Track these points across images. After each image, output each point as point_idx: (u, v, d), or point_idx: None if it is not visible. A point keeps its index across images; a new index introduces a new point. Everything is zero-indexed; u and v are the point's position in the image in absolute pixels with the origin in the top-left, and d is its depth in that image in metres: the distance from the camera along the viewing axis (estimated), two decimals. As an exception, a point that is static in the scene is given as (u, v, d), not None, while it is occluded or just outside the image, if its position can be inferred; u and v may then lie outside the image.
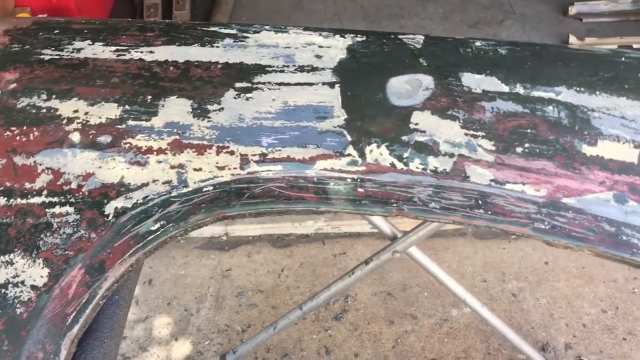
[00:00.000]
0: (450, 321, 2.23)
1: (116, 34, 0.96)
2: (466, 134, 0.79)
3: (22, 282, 0.77)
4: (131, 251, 0.77)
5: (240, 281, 2.37)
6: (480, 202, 0.74)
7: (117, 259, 0.77)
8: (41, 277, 0.77)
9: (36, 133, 0.83)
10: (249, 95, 0.85)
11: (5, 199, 0.80)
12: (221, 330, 2.22)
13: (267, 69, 0.88)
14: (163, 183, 0.79)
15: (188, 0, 3.68)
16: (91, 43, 0.94)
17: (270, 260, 2.45)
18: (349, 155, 0.79)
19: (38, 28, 0.98)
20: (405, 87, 0.84)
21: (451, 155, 0.77)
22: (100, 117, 0.84)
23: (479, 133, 0.79)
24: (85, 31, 0.96)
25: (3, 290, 0.77)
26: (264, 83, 0.86)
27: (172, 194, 0.78)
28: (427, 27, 3.53)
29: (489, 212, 0.74)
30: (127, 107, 0.84)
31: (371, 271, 1.71)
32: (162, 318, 2.25)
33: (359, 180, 0.77)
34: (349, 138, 0.80)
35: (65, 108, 0.85)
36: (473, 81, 0.84)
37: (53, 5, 2.88)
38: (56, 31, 0.97)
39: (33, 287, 0.77)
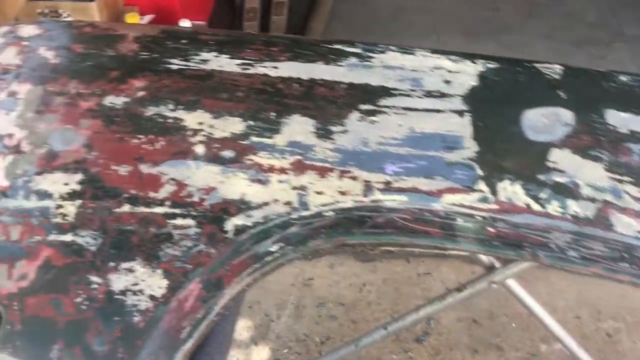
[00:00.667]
0: (539, 357, 2.12)
1: (241, 46, 0.96)
2: (611, 178, 0.73)
3: (141, 291, 0.78)
4: (249, 270, 0.76)
5: (321, 292, 2.36)
6: (625, 255, 0.68)
7: (235, 277, 0.76)
8: (160, 287, 0.78)
9: (162, 142, 0.84)
10: (373, 118, 0.83)
11: (130, 205, 0.82)
12: (300, 339, 2.22)
13: (392, 92, 0.85)
14: (284, 204, 0.78)
15: (286, 5, 3.74)
16: (217, 55, 0.95)
17: (353, 273, 2.42)
18: (479, 190, 0.74)
19: (166, 37, 1.00)
20: (543, 121, 0.79)
21: (593, 201, 0.71)
22: (224, 131, 0.84)
23: (626, 178, 0.72)
24: (212, 42, 0.97)
25: (122, 298, 0.79)
26: (389, 107, 0.84)
27: (292, 216, 0.77)
28: (530, 44, 3.40)
29: (636, 267, 0.68)
30: (250, 122, 0.84)
31: (463, 299, 1.65)
32: (243, 321, 2.28)
33: (490, 219, 0.72)
34: (480, 172, 0.75)
35: (191, 119, 0.86)
36: (618, 119, 0.78)
37: (159, 4, 2.99)
38: (183, 41, 0.99)
39: (151, 297, 0.78)
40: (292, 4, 3.74)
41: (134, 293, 0.79)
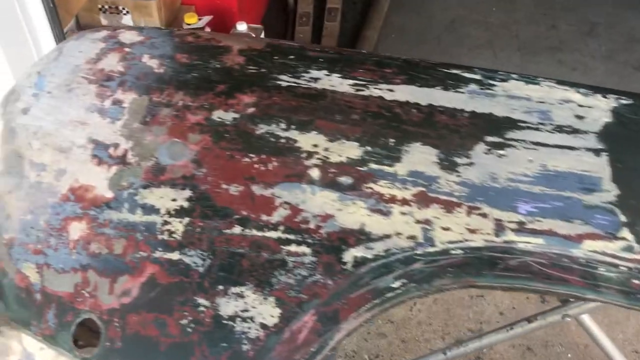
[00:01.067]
0: (595, 391, 2.04)
1: (352, 66, 0.93)
2: None
3: (252, 318, 0.75)
4: (367, 305, 0.72)
5: (369, 307, 2.31)
6: None
7: (352, 311, 0.73)
8: (272, 316, 0.75)
9: (275, 163, 0.81)
10: (501, 152, 0.78)
11: (241, 227, 0.79)
12: (349, 355, 2.17)
13: (519, 124, 0.81)
14: (407, 238, 0.74)
15: (339, 12, 3.71)
16: (328, 74, 0.92)
17: (402, 289, 2.37)
18: (622, 238, 0.70)
19: (272, 51, 0.98)
20: (688, 166, 0.74)
21: None
22: (340, 156, 0.81)
23: None
24: (321, 60, 0.94)
25: (230, 323, 0.76)
26: (517, 140, 0.79)
27: (417, 252, 0.73)
28: (588, 64, 3.31)
29: None
30: (368, 148, 0.81)
31: (532, 330, 1.59)
32: (289, 331, 2.24)
33: (636, 270, 0.68)
34: (623, 219, 0.71)
35: (305, 141, 0.83)
36: None
37: (216, 5, 2.98)
38: (291, 56, 0.96)
39: (262, 326, 0.75)
40: (345, 11, 3.71)
41: (244, 320, 0.76)
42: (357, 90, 0.87)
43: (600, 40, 3.54)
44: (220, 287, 0.77)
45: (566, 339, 2.18)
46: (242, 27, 2.69)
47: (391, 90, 0.87)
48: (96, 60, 0.98)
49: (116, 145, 0.87)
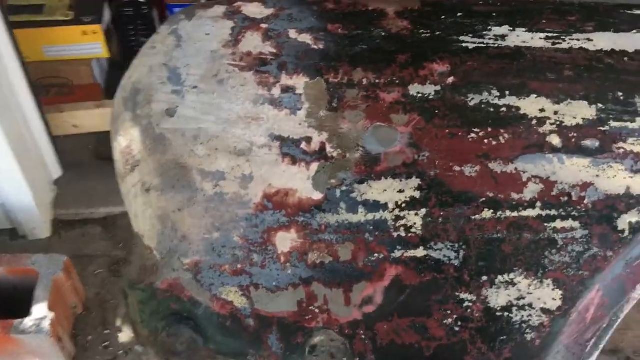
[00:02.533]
0: None
1: (532, 18, 0.86)
2: None
3: (530, 305, 0.70)
4: (655, 271, 0.69)
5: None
6: None
7: (639, 280, 0.70)
8: (553, 299, 0.70)
9: (506, 135, 0.74)
10: None
11: (491, 211, 0.72)
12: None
13: None
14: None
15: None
16: (511, 29, 0.84)
17: None
18: None
19: (434, 10, 0.88)
20: None
21: None
22: (574, 118, 0.75)
23: None
24: (494, 14, 0.86)
25: (506, 314, 0.70)
26: None
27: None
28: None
29: None
30: (600, 105, 0.75)
31: None
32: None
33: None
34: None
35: (528, 106, 0.76)
36: None
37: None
38: (459, 14, 0.87)
39: (544, 311, 0.70)
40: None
41: (521, 308, 0.70)
42: (554, 44, 0.81)
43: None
44: (484, 278, 0.71)
45: None
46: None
47: (589, 40, 0.81)
48: (235, 42, 0.84)
49: (308, 139, 0.76)
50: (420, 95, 0.77)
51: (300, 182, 0.75)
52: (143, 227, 0.81)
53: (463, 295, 0.71)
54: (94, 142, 2.00)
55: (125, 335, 1.63)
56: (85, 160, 2.00)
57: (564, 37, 0.82)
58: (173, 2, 2.05)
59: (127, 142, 0.82)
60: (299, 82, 0.80)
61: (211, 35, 0.85)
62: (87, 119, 1.89)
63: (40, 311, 1.41)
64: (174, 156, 0.79)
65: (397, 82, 0.79)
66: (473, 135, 0.74)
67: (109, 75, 2.09)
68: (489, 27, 0.83)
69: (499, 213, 0.71)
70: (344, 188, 0.74)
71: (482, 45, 0.81)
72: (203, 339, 0.77)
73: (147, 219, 0.80)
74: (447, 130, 0.75)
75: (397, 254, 0.72)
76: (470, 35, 0.83)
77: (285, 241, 0.75)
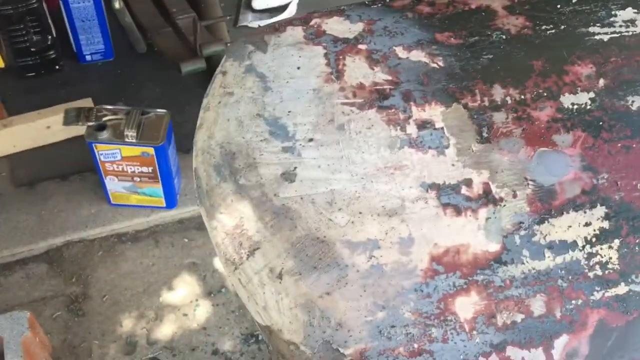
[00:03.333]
0: None
1: None
2: None
3: None
4: None
5: None
6: None
7: None
8: None
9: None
10: None
11: (689, 227, 0.64)
12: None
13: None
14: None
15: None
16: (636, 11, 0.75)
17: None
18: None
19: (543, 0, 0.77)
20: None
21: None
22: None
23: None
24: (610, -4, 0.76)
25: None
26: None
27: None
28: None
29: None
30: None
31: None
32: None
33: None
34: None
35: None
36: None
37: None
38: (573, 0, 0.76)
39: None
40: None
41: None
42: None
43: None
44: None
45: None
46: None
47: None
48: (337, 73, 0.69)
49: (468, 182, 0.64)
50: (576, 106, 0.67)
51: (470, 235, 0.63)
52: (279, 320, 0.66)
53: (676, 323, 0.64)
54: (7, 167, 1.72)
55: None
56: (3, 190, 1.72)
57: (695, 14, 0.74)
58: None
59: (237, 221, 0.66)
60: (435, 112, 0.67)
61: (304, 69, 0.69)
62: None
63: (19, 378, 1.21)
64: (308, 230, 0.64)
65: (545, 94, 0.68)
66: (648, 145, 0.66)
67: (5, 86, 1.79)
68: (613, 13, 0.74)
69: (697, 229, 0.64)
70: (522, 232, 0.64)
71: (616, 34, 0.72)
72: None
73: (284, 309, 0.66)
74: (620, 144, 0.66)
75: (597, 295, 0.64)
76: (598, 25, 0.73)
77: (467, 306, 0.64)
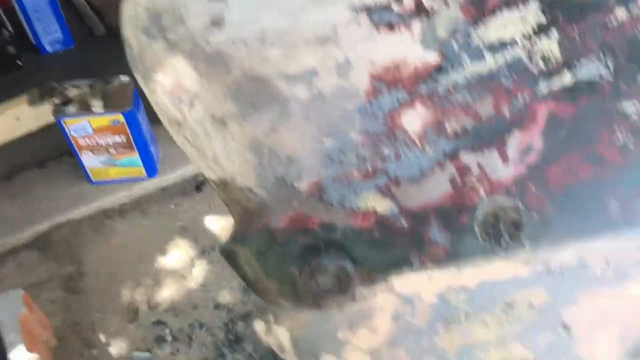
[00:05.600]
0: None
1: None
2: None
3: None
4: None
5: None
6: None
7: None
8: None
9: None
10: None
11: (623, 8, 0.63)
12: None
13: None
14: None
15: None
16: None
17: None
18: None
19: None
20: None
21: None
22: None
23: None
24: None
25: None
26: None
27: None
28: None
29: None
30: None
31: None
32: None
33: None
34: None
35: None
36: None
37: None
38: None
39: None
40: None
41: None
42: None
43: None
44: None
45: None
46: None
47: None
48: None
49: (398, 0, 0.64)
50: None
51: (407, 49, 0.63)
52: (229, 167, 0.66)
53: (625, 105, 0.63)
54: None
55: (117, 347, 1.45)
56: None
57: None
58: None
59: (173, 77, 0.65)
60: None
61: None
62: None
63: (21, 357, 1.21)
64: (242, 70, 0.63)
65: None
66: None
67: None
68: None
69: (633, 11, 0.63)
70: (459, 39, 0.63)
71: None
72: (352, 263, 0.65)
73: (232, 155, 0.65)
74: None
75: (543, 89, 0.63)
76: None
77: (414, 119, 0.63)
